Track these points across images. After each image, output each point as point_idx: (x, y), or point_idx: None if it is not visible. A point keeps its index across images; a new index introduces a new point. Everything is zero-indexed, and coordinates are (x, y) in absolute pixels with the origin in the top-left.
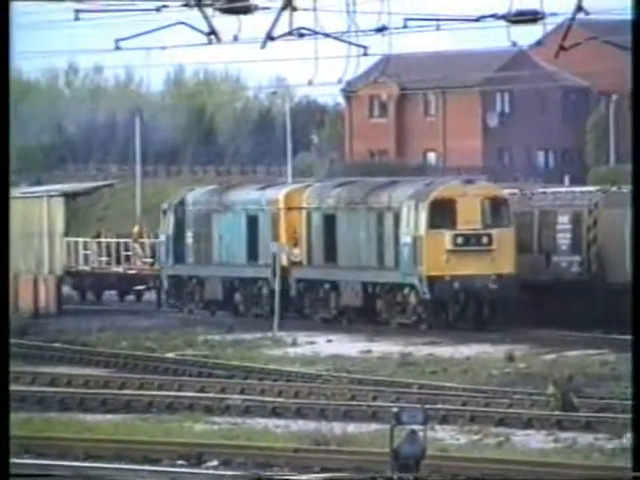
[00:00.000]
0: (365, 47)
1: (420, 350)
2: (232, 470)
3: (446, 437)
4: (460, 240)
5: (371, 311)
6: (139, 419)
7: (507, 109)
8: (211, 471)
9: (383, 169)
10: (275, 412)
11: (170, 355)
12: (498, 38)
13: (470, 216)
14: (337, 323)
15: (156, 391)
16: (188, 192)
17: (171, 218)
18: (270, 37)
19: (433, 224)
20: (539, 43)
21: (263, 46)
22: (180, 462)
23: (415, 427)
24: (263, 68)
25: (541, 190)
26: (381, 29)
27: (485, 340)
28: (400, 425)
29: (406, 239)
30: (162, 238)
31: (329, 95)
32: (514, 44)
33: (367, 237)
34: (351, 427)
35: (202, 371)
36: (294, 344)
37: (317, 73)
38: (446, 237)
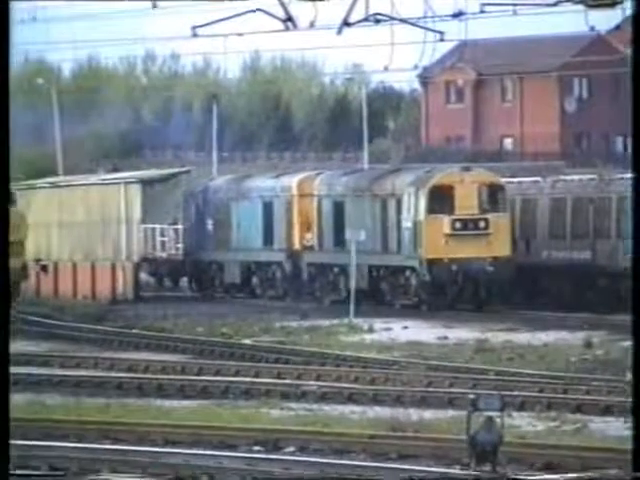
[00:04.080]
0: (441, 32)
1: (497, 336)
2: (308, 456)
3: (523, 424)
4: (458, 225)
5: (377, 293)
6: (216, 405)
7: (585, 94)
8: (288, 457)
9: (459, 155)
10: (351, 398)
11: (247, 341)
12: (576, 23)
13: (468, 202)
14: (347, 305)
15: (233, 377)
16: (209, 181)
17: (193, 206)
18: (346, 23)
19: (432, 210)
20: (618, 27)
21: (339, 32)
22: (256, 448)
23: (492, 414)
24: (339, 54)
25: (619, 176)
26: (457, 14)
27: (563, 326)
28: (477, 412)
29: (407, 224)
30: (186, 225)
31: (405, 81)
32: (592, 29)
33: (372, 223)
34: (428, 414)
35: (278, 357)
36: (370, 330)
37: (393, 59)
38: (445, 222)
